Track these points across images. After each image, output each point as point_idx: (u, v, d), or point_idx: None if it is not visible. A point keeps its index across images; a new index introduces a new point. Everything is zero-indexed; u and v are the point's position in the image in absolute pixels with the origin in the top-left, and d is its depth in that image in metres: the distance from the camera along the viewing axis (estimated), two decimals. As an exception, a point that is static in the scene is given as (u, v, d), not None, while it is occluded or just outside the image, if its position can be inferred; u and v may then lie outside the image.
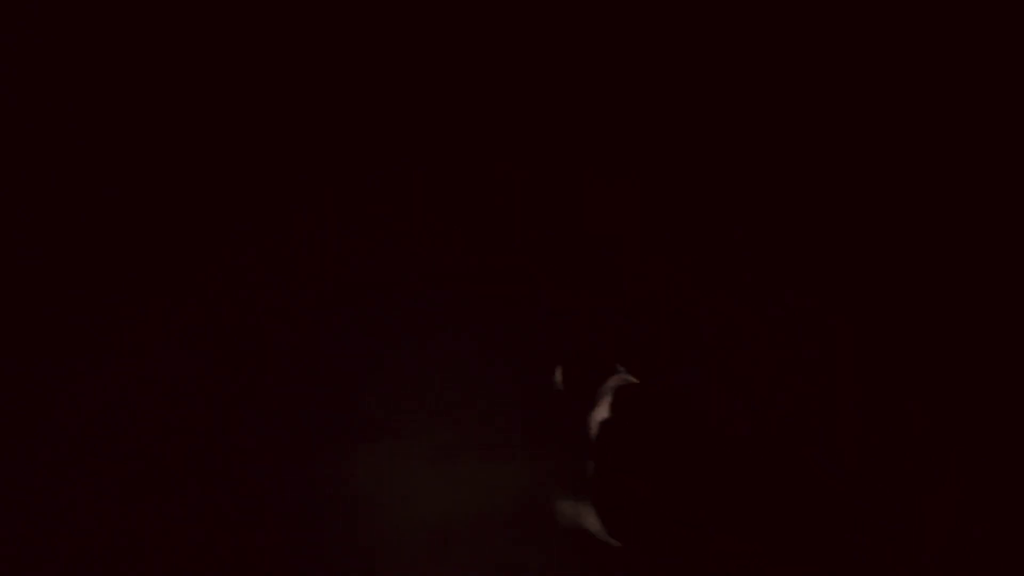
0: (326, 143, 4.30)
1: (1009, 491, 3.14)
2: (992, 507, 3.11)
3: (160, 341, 3.69)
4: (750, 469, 2.85)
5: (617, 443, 3.04)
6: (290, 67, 4.28)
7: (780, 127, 4.34)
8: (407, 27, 4.39)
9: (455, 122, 4.51)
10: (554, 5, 4.40)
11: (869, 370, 3.61)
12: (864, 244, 4.02)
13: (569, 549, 3.10)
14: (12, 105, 3.83)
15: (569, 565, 3.03)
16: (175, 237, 3.93)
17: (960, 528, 3.05)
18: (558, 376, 3.25)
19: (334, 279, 4.02)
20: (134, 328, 3.72)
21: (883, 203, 4.12)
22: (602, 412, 3.02)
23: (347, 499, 3.27)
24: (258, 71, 4.25)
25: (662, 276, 4.04)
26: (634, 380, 3.10)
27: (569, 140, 4.50)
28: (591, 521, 3.14)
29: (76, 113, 3.93)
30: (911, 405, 3.44)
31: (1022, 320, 3.64)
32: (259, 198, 4.12)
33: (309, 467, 3.37)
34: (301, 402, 3.61)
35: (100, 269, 3.79)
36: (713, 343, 3.77)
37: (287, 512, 3.21)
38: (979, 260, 3.79)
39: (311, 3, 4.26)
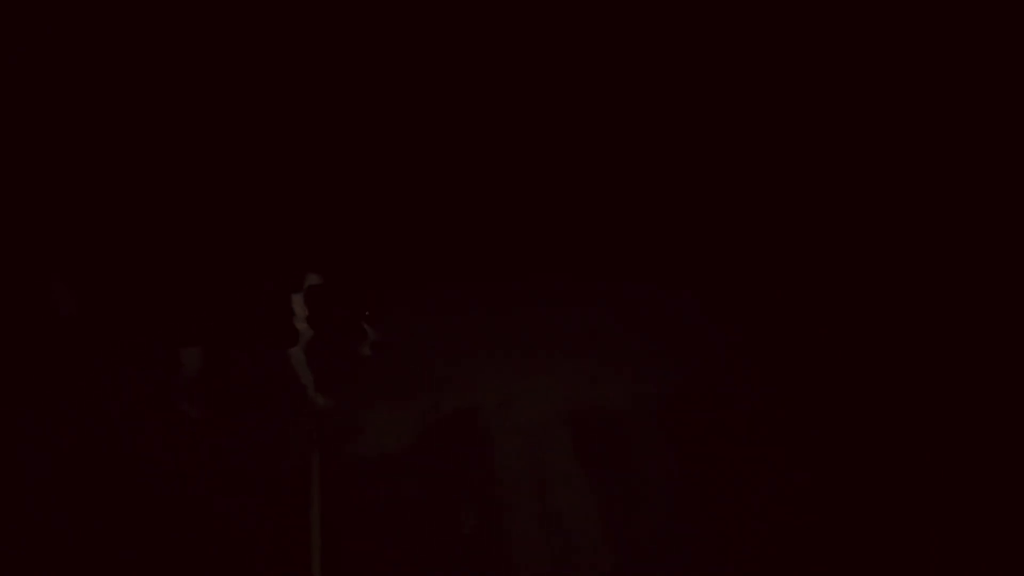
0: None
1: (1009, 491, 3.17)
2: (992, 507, 3.14)
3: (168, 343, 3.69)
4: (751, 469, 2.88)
5: None
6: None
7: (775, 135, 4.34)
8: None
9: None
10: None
11: (868, 371, 3.64)
12: (862, 246, 4.04)
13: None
14: (12, 107, 3.81)
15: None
16: (177, 238, 3.92)
17: (960, 528, 3.08)
18: None
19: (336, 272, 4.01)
20: (140, 330, 3.71)
21: (879, 205, 4.14)
22: None
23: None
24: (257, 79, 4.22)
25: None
26: None
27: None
28: None
29: (79, 118, 3.91)
30: (912, 411, 3.47)
31: (1020, 321, 3.68)
32: (260, 198, 4.11)
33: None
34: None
35: (105, 271, 3.77)
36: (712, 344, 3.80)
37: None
38: (978, 262, 3.82)
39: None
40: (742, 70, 3.88)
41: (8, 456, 3.40)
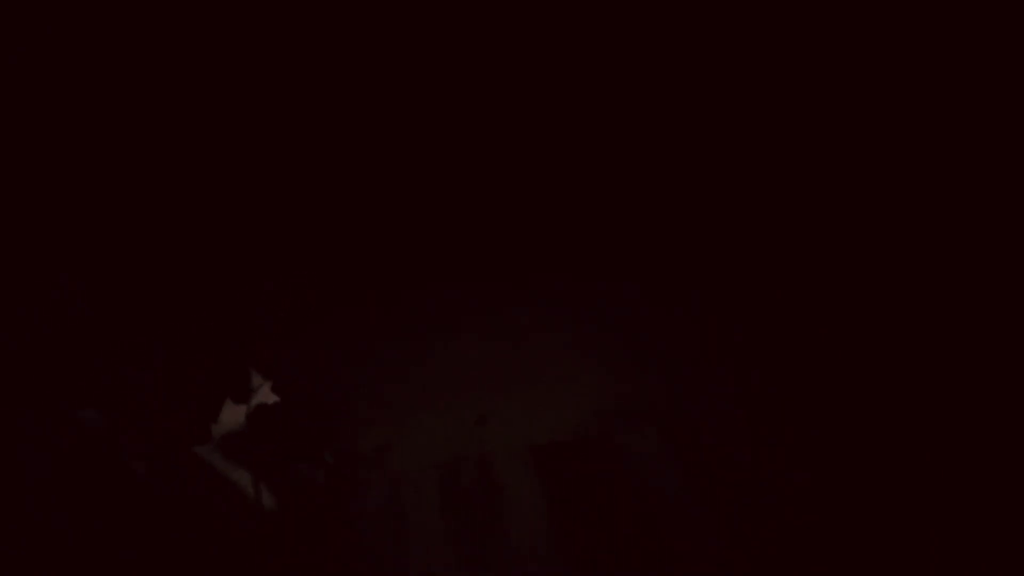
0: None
1: (1009, 491, 3.18)
2: (992, 507, 3.15)
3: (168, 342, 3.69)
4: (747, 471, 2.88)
5: None
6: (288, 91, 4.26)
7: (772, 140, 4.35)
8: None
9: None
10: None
11: (868, 371, 3.65)
12: (861, 246, 4.05)
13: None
14: (13, 107, 3.81)
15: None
16: (178, 238, 3.92)
17: (960, 528, 3.09)
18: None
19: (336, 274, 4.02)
20: (142, 331, 3.72)
21: (878, 206, 4.14)
22: None
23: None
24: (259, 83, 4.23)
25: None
26: None
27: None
28: None
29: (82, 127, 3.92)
30: (912, 411, 3.48)
31: (1019, 322, 3.68)
32: (261, 201, 4.12)
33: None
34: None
35: (106, 271, 3.78)
36: (703, 352, 3.80)
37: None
38: (977, 262, 3.83)
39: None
40: (741, 70, 3.89)
41: (8, 456, 3.41)
